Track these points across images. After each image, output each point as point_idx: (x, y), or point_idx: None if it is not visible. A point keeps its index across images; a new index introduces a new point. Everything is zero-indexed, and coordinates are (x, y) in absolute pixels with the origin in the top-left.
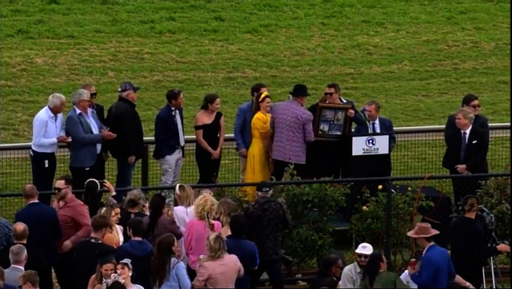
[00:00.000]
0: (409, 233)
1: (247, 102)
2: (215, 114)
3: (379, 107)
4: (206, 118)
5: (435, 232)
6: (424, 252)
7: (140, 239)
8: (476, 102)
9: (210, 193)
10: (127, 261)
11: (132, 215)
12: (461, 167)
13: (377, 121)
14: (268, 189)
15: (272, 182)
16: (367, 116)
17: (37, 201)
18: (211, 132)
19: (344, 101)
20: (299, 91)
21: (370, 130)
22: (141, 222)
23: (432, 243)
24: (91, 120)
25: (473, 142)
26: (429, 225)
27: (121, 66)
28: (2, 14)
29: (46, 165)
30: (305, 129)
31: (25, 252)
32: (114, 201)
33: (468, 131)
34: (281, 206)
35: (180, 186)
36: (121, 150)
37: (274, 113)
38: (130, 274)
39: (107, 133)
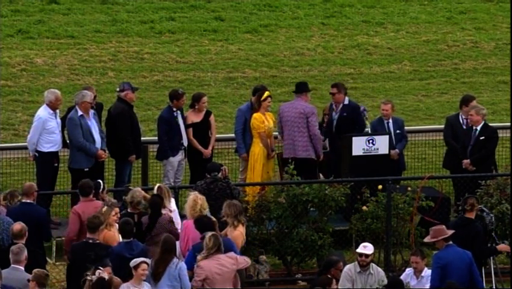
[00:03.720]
0: (426, 239)
1: (246, 102)
2: (204, 112)
3: (394, 106)
4: (194, 117)
5: (451, 231)
6: (441, 251)
7: (129, 240)
8: (475, 103)
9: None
10: (144, 258)
11: (136, 216)
12: (465, 161)
13: (390, 120)
14: (216, 173)
15: (272, 182)
16: (366, 116)
17: (29, 201)
18: (201, 130)
19: (346, 102)
20: (301, 88)
21: (386, 129)
22: (128, 223)
23: (449, 243)
24: (93, 123)
25: (481, 138)
26: (443, 226)
27: (121, 66)
28: (2, 14)
29: (51, 165)
30: (308, 122)
31: (25, 252)
32: (114, 200)
33: (479, 128)
34: (228, 184)
35: (158, 188)
36: (118, 150)
37: (281, 113)
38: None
39: (101, 153)
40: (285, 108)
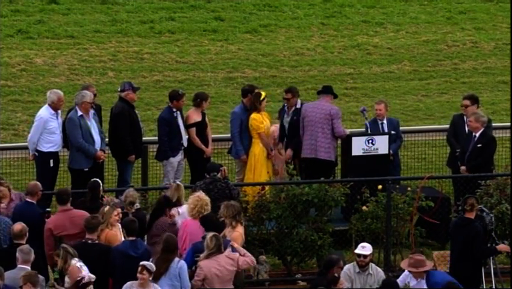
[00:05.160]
0: (403, 266)
1: (238, 104)
2: (201, 111)
3: (388, 106)
4: (196, 116)
5: (430, 264)
6: (425, 279)
7: (133, 238)
8: (464, 102)
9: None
10: (148, 264)
11: (130, 215)
12: (462, 168)
13: (385, 121)
14: (215, 174)
15: (272, 181)
16: (366, 116)
17: (30, 200)
18: (202, 129)
19: (298, 106)
20: (327, 89)
21: (380, 130)
22: (134, 222)
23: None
24: (92, 123)
25: (478, 145)
26: (423, 257)
27: (121, 66)
28: (2, 14)
29: (51, 165)
30: (333, 124)
31: (33, 252)
32: (116, 200)
33: (478, 134)
34: (227, 184)
35: (177, 185)
36: (119, 150)
37: (304, 112)
38: (150, 277)
39: (100, 154)
40: (308, 108)
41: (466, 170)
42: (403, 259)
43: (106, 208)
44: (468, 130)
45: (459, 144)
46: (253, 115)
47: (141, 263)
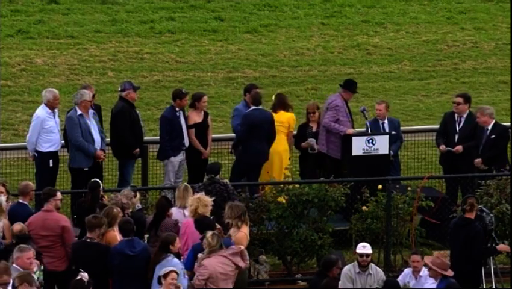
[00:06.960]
0: (427, 260)
1: (241, 102)
2: (203, 112)
3: (388, 106)
4: (197, 117)
5: (450, 272)
6: (438, 283)
7: (130, 238)
8: (457, 99)
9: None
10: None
11: (126, 215)
12: (476, 160)
13: (386, 121)
14: (213, 175)
15: (272, 181)
16: (366, 116)
17: (22, 201)
18: (202, 131)
19: (246, 111)
20: (345, 84)
21: (381, 130)
22: (129, 222)
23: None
24: (92, 122)
25: (492, 136)
26: (449, 263)
27: (121, 66)
28: (2, 14)
29: (51, 165)
30: (325, 113)
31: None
32: (124, 201)
33: (490, 127)
34: (226, 187)
35: (185, 186)
36: (120, 149)
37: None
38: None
39: (100, 153)
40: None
41: (482, 162)
42: (403, 259)
43: (115, 210)
44: (459, 122)
45: (444, 142)
46: (290, 114)
47: (169, 268)
